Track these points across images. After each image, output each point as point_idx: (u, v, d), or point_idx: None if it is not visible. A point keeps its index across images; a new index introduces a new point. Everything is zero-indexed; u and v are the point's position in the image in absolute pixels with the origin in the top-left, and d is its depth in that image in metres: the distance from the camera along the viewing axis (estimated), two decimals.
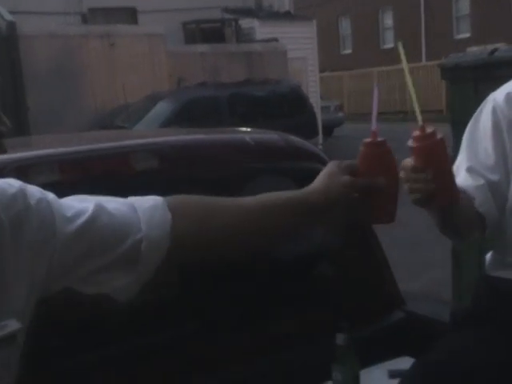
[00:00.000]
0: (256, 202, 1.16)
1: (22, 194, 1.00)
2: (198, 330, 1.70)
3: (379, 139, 1.21)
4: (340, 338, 1.53)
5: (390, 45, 31.60)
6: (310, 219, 1.21)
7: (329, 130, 18.29)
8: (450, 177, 1.32)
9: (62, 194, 1.35)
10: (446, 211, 1.39)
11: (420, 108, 1.29)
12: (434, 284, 4.82)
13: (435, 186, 1.26)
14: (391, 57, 29.14)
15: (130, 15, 14.49)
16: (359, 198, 1.19)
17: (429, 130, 1.27)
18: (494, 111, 1.49)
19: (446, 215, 1.43)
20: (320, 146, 12.99)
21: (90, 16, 14.65)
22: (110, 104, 12.57)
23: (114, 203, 1.09)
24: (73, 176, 1.58)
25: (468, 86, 3.39)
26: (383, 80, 25.61)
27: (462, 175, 1.50)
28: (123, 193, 1.60)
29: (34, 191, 1.03)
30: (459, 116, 3.34)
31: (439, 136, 1.27)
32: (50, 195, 1.04)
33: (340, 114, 20.15)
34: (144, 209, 1.08)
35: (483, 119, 1.52)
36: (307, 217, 1.19)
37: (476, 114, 1.55)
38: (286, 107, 12.42)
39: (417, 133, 1.27)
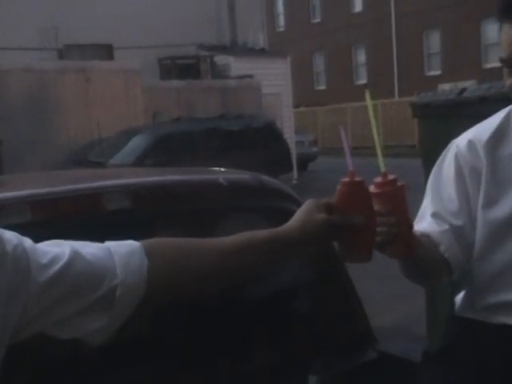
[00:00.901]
0: (232, 242, 1.17)
1: None
2: (170, 367, 1.69)
3: (357, 179, 1.23)
4: (311, 379, 1.53)
5: (363, 81, 32.13)
6: (287, 257, 1.23)
7: (303, 164, 18.43)
8: (408, 224, 1.33)
9: (34, 234, 1.34)
10: (407, 257, 1.41)
11: (383, 155, 1.32)
12: (408, 318, 4.84)
13: (397, 231, 1.28)
14: (364, 93, 29.44)
15: (106, 51, 14.56)
16: (336, 236, 1.21)
17: (390, 177, 1.30)
18: (457, 158, 1.53)
19: (407, 260, 1.44)
20: (295, 181, 13.07)
21: (66, 52, 14.69)
22: (85, 138, 12.56)
23: (90, 248, 1.09)
24: (45, 217, 1.58)
25: (438, 124, 3.46)
26: (356, 115, 25.98)
27: (427, 220, 1.53)
28: (96, 233, 1.60)
29: (11, 237, 1.03)
30: (430, 153, 3.40)
31: (400, 183, 1.30)
32: (27, 241, 1.05)
33: (314, 149, 20.34)
34: (120, 254, 1.08)
35: (446, 165, 1.55)
36: (284, 255, 1.21)
37: (439, 160, 1.59)
38: (261, 142, 12.51)
39: (379, 179, 1.30)
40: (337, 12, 31.95)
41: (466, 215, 1.50)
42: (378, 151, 1.33)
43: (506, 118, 1.53)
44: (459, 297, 1.61)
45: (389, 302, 5.62)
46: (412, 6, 28.84)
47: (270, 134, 12.84)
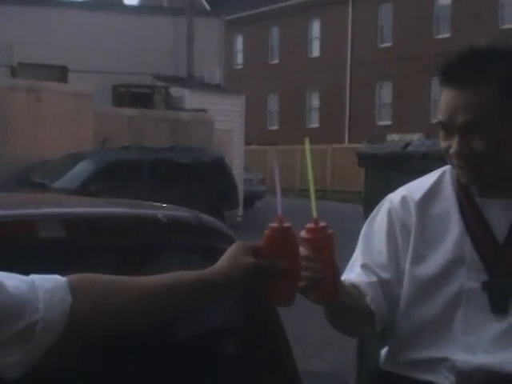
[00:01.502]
0: (156, 283, 1.17)
1: None
2: None
3: (285, 225, 1.25)
4: None
5: (315, 124, 32.68)
6: (212, 298, 1.24)
7: (250, 201, 18.51)
8: (335, 272, 1.35)
9: None
10: (330, 305, 1.43)
11: (315, 201, 1.35)
12: (339, 364, 4.85)
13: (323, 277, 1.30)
14: (315, 136, 30.12)
15: (61, 73, 14.44)
16: (260, 279, 1.22)
17: (321, 223, 1.32)
18: (390, 213, 1.56)
19: (331, 307, 1.46)
20: (239, 218, 13.10)
21: (20, 70, 14.50)
22: (32, 159, 12.33)
23: (14, 280, 1.07)
24: None
25: (382, 175, 3.54)
26: (305, 158, 26.22)
27: (356, 271, 1.56)
28: (27, 260, 1.56)
29: None
30: (371, 202, 3.45)
31: (330, 231, 1.32)
32: None
33: (262, 187, 20.47)
34: (45, 289, 1.07)
35: (379, 219, 1.59)
36: (209, 296, 1.22)
37: (373, 212, 1.62)
38: (209, 176, 12.53)
39: (310, 225, 1.32)
40: (294, 55, 32.57)
41: (394, 269, 1.53)
42: (312, 197, 1.35)
43: (440, 177, 1.57)
44: (384, 350, 1.63)
45: (321, 345, 5.63)
46: (367, 56, 29.68)
47: (219, 169, 12.89)
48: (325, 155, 26.30)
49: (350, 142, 28.79)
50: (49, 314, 1.05)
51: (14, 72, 14.68)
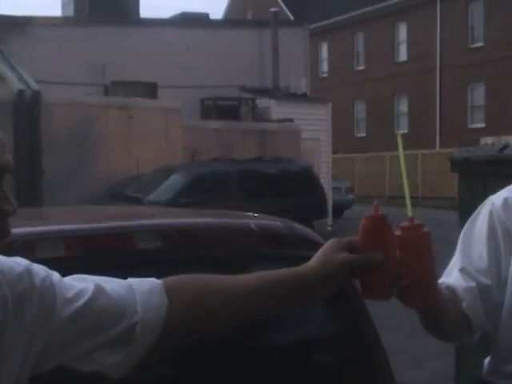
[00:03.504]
0: (250, 280, 1.18)
1: (28, 273, 1.04)
2: None
3: (380, 213, 1.22)
4: None
5: (404, 130, 32.07)
6: (304, 297, 1.22)
7: (339, 211, 18.36)
8: (430, 275, 1.28)
9: (66, 269, 1.36)
10: (425, 310, 1.38)
11: (410, 200, 1.30)
12: (436, 377, 4.72)
13: (409, 282, 1.24)
14: (404, 142, 29.39)
15: (150, 89, 14.88)
16: (355, 275, 1.19)
17: (416, 222, 1.27)
18: (491, 215, 1.51)
19: (426, 314, 1.41)
20: (329, 227, 13.01)
21: (112, 88, 15.05)
22: (124, 173, 12.76)
23: (112, 284, 1.11)
24: (78, 252, 1.60)
25: (477, 180, 3.42)
26: (395, 164, 25.84)
27: (454, 275, 1.50)
28: (126, 271, 1.61)
29: (40, 270, 1.06)
30: (467, 209, 3.36)
31: (425, 230, 1.26)
32: (55, 274, 1.08)
33: (350, 196, 20.27)
34: (141, 291, 1.11)
35: (479, 222, 1.54)
36: (301, 294, 1.20)
37: (473, 215, 1.57)
38: (297, 186, 12.52)
39: (405, 223, 1.27)
40: (381, 60, 32.14)
41: (495, 275, 1.48)
42: (406, 195, 1.30)
43: None
44: (487, 360, 1.57)
45: (418, 356, 5.50)
46: (458, 58, 28.89)
47: (307, 178, 12.86)
48: (415, 161, 25.75)
49: (441, 147, 28.06)
50: (147, 315, 1.08)
51: (106, 90, 15.26)
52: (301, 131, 15.40)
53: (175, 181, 11.65)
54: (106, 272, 1.36)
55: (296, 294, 1.18)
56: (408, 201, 1.30)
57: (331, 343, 1.94)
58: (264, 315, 1.25)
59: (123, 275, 1.27)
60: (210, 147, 13.75)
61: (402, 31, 32.18)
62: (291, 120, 15.87)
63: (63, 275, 1.15)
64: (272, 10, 19.23)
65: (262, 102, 17.21)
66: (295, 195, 12.30)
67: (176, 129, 13.80)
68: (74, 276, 1.11)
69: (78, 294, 1.06)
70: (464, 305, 1.46)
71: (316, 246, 1.91)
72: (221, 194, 11.49)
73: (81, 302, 1.05)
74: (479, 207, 1.57)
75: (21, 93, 12.35)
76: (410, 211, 1.28)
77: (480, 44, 29.00)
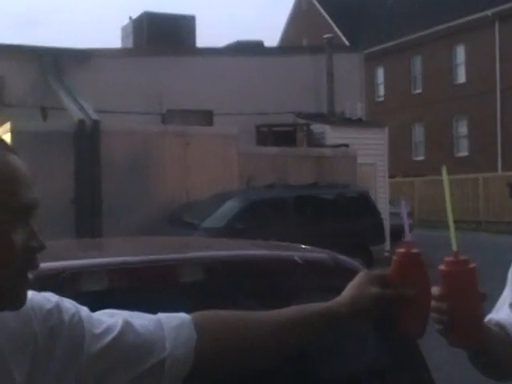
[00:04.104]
0: (283, 315, 1.17)
1: (58, 309, 1.05)
2: None
3: (414, 250, 1.19)
4: None
5: (464, 153, 31.49)
6: (337, 330, 1.20)
7: (398, 235, 18.06)
8: (473, 312, 1.23)
9: (109, 301, 1.38)
10: (470, 348, 1.33)
11: (455, 233, 1.27)
12: None
13: (450, 319, 1.21)
14: (465, 165, 29.04)
15: (206, 117, 15.10)
16: (388, 310, 1.17)
17: (462, 257, 1.23)
18: None
19: (473, 352, 1.37)
20: (386, 253, 12.81)
21: (169, 116, 15.35)
22: (182, 200, 12.93)
23: (141, 320, 1.12)
24: (120, 285, 1.63)
25: None
26: (456, 188, 25.34)
27: (504, 311, 1.46)
28: (168, 304, 1.62)
29: (69, 306, 1.08)
30: None
31: (471, 265, 1.22)
32: (84, 310, 1.09)
33: (410, 221, 19.92)
34: (170, 327, 1.11)
35: None
36: (333, 328, 1.18)
37: None
38: (353, 212, 12.42)
39: (449, 258, 1.24)
40: (438, 83, 31.76)
41: None
42: (451, 228, 1.27)
43: None
44: None
45: None
46: None
47: (363, 204, 12.74)
48: (476, 185, 25.20)
49: (504, 169, 27.38)
50: (176, 351, 1.08)
51: (163, 119, 15.56)
52: (357, 156, 15.31)
53: (231, 206, 11.73)
54: (146, 305, 1.38)
55: (328, 326, 1.17)
56: (453, 234, 1.27)
57: (379, 375, 1.90)
58: (299, 348, 1.24)
59: (165, 309, 1.28)
60: (266, 173, 13.81)
61: (460, 53, 31.76)
62: (346, 145, 15.81)
63: (106, 307, 1.17)
64: (326, 36, 19.29)
65: (317, 128, 17.22)
66: (352, 221, 12.19)
67: (232, 155, 13.93)
68: (104, 311, 1.13)
69: (107, 330, 1.07)
70: None
71: None
72: (277, 219, 11.49)
73: (109, 337, 1.06)
74: None
75: (81, 123, 12.71)
76: (455, 245, 1.26)
77: None
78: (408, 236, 1.22)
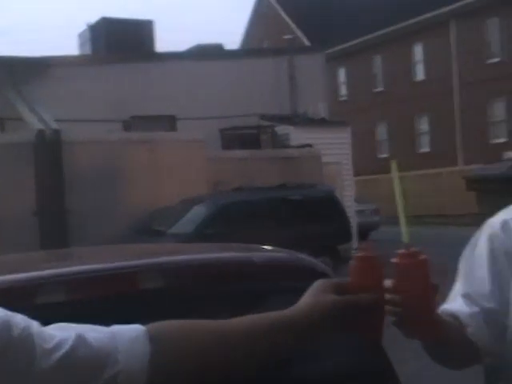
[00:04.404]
0: (238, 325, 1.16)
1: (7, 325, 1.02)
2: None
3: (371, 254, 1.19)
4: None
5: (426, 149, 31.91)
6: (293, 339, 1.18)
7: (365, 233, 18.22)
8: (427, 304, 1.24)
9: (67, 313, 1.35)
10: (425, 338, 1.34)
11: (406, 225, 1.27)
12: None
13: (404, 311, 1.21)
14: (427, 161, 29.41)
15: (170, 122, 15.02)
16: (346, 317, 1.16)
17: (413, 249, 1.24)
18: (490, 239, 1.48)
19: (428, 342, 1.38)
20: (354, 251, 12.88)
21: (132, 123, 15.23)
22: (149, 207, 12.82)
23: (95, 333, 1.09)
24: (78, 296, 1.60)
25: (495, 198, 3.39)
26: (419, 184, 25.67)
27: (457, 301, 1.48)
28: (129, 313, 1.60)
29: (19, 321, 1.05)
30: None
31: (422, 257, 1.23)
32: (34, 325, 1.06)
33: (376, 218, 20.13)
34: (124, 340, 1.09)
35: (479, 246, 1.51)
36: (289, 337, 1.16)
37: (472, 239, 1.54)
38: (320, 211, 12.46)
39: (402, 251, 1.24)
40: (399, 81, 32.14)
41: (499, 298, 1.44)
42: (402, 222, 1.28)
43: None
44: None
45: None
46: (476, 74, 28.76)
47: (330, 203, 12.80)
48: (439, 179, 25.53)
49: (465, 163, 27.84)
50: (129, 364, 1.06)
51: (126, 126, 15.44)
52: (321, 156, 15.39)
53: (199, 212, 11.68)
54: (106, 314, 1.35)
55: (283, 335, 1.15)
56: (404, 227, 1.28)
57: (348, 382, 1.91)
58: (253, 359, 1.22)
59: (126, 318, 1.25)
60: (233, 177, 13.78)
61: (418, 51, 32.19)
62: (310, 145, 15.88)
63: (63, 320, 1.14)
64: (287, 37, 19.38)
65: (281, 129, 17.27)
66: (319, 220, 12.24)
67: (199, 160, 13.87)
68: (57, 325, 1.10)
69: (58, 345, 1.04)
70: (469, 331, 1.42)
71: (322, 276, 1.88)
72: (245, 223, 11.47)
73: (61, 352, 1.03)
74: (478, 231, 1.54)
75: (40, 133, 12.52)
76: (406, 238, 1.26)
77: (497, 59, 28.86)
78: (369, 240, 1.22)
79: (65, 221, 12.36)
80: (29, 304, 1.49)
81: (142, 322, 1.17)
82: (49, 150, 12.39)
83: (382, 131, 34.57)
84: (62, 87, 15.28)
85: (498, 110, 29.31)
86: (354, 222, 14.85)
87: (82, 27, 21.47)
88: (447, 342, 1.38)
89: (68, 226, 12.35)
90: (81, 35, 21.48)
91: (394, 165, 1.36)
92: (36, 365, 1.01)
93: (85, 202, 12.47)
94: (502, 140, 28.35)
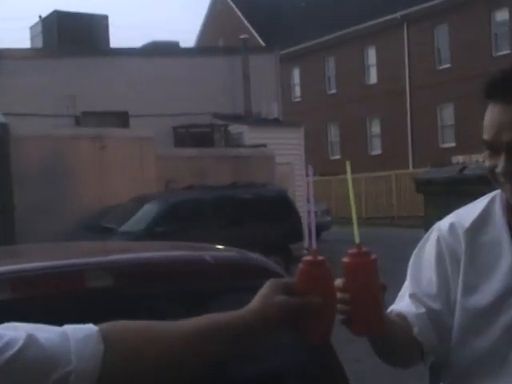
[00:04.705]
0: (192, 327, 1.15)
1: None
2: None
3: (318, 258, 1.20)
4: None
5: (377, 151, 32.37)
6: (247, 340, 1.19)
7: (316, 233, 18.33)
8: (375, 302, 1.26)
9: (13, 312, 1.32)
10: (372, 336, 1.37)
11: (357, 226, 1.29)
12: None
13: (353, 309, 1.23)
14: (378, 163, 29.84)
15: (122, 119, 14.85)
16: (295, 318, 1.17)
17: (364, 249, 1.26)
18: (438, 241, 1.51)
19: (375, 340, 1.40)
20: (305, 251, 12.98)
21: (83, 119, 15.00)
22: (98, 204, 12.65)
23: (46, 332, 1.08)
24: (24, 294, 1.56)
25: (441, 200, 3.47)
26: (370, 185, 26.05)
27: (405, 301, 1.51)
28: (77, 311, 1.57)
29: None
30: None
31: (371, 257, 1.25)
32: None
33: (327, 218, 20.30)
34: (77, 339, 1.07)
35: (428, 248, 1.54)
36: (243, 338, 1.17)
37: (422, 241, 1.57)
38: (272, 211, 12.51)
39: (352, 250, 1.26)
40: (352, 84, 32.51)
41: (444, 299, 1.48)
42: (354, 222, 1.30)
43: (490, 203, 1.51)
44: None
45: (391, 381, 5.46)
46: (426, 79, 29.32)
47: (282, 202, 12.86)
48: (390, 182, 25.95)
49: (414, 167, 28.34)
50: (81, 364, 1.05)
51: (77, 121, 15.20)
52: (274, 156, 15.45)
53: (149, 210, 11.58)
54: (55, 314, 1.33)
55: (238, 336, 1.16)
56: (356, 227, 1.30)
57: (294, 377, 1.91)
58: (208, 358, 1.22)
59: (73, 316, 1.23)
60: (185, 175, 13.72)
61: (371, 54, 32.64)
62: (264, 145, 15.93)
63: (9, 320, 1.11)
64: (242, 36, 19.39)
65: (234, 128, 17.26)
66: (271, 220, 12.29)
67: (149, 158, 13.76)
68: (6, 324, 1.08)
69: (8, 344, 1.02)
70: (415, 331, 1.45)
71: (273, 275, 1.89)
72: (196, 221, 11.44)
73: (11, 352, 1.01)
74: (427, 233, 1.57)
75: None
76: (357, 238, 1.28)
77: (447, 65, 29.49)
78: (314, 244, 1.23)
79: (12, 217, 12.09)
80: None
81: (90, 321, 1.15)
82: None
83: (334, 133, 34.91)
84: (12, 81, 14.95)
85: (447, 114, 29.95)
86: (304, 222, 14.95)
87: (34, 20, 21.07)
88: (394, 340, 1.41)
89: (15, 223, 12.09)
90: (32, 28, 21.03)
91: (348, 165, 1.37)
92: None
93: (33, 199, 12.22)
94: (451, 144, 28.98)
